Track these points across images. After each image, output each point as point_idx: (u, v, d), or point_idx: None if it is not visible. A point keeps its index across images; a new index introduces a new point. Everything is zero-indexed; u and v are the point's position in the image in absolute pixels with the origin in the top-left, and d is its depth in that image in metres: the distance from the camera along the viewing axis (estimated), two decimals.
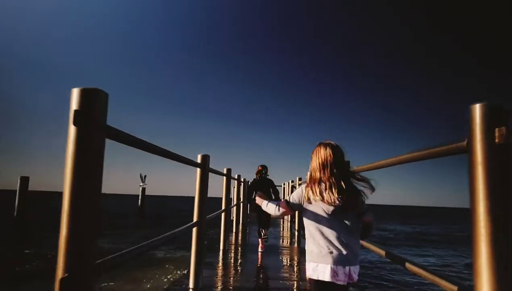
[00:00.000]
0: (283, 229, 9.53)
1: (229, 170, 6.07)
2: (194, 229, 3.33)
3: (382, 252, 2.23)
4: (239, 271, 4.35)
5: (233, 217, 8.90)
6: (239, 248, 6.15)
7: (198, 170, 3.41)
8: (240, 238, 7.25)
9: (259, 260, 5.12)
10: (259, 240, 5.99)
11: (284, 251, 6.05)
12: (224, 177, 5.88)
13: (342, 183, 1.85)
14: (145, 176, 35.14)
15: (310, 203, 1.90)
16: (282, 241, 7.29)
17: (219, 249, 5.70)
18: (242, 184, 9.55)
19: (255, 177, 6.33)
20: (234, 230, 8.25)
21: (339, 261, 1.79)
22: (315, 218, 1.89)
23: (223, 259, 5.01)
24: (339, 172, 1.88)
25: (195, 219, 3.34)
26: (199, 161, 3.42)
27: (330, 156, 1.90)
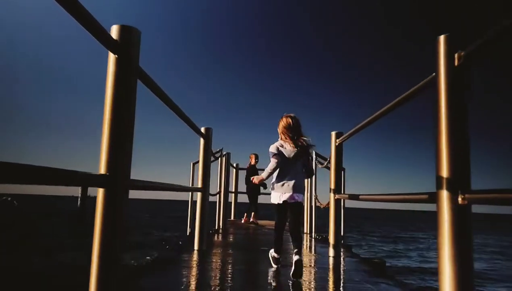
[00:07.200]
0: None
1: (228, 154, 6.36)
2: (199, 194, 3.58)
3: (345, 196, 2.85)
4: (236, 237, 4.61)
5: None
6: (236, 228, 6.42)
7: (202, 140, 3.66)
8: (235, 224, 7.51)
9: (250, 232, 5.83)
10: (249, 213, 7.27)
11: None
12: (223, 159, 6.15)
13: (296, 140, 2.75)
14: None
15: (280, 152, 2.78)
16: None
17: (220, 227, 5.97)
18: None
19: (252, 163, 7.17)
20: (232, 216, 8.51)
21: (286, 189, 2.74)
22: (281, 162, 2.77)
23: (222, 233, 5.26)
24: (294, 134, 2.77)
25: (199, 186, 3.60)
26: (203, 132, 3.67)
27: (289, 123, 2.80)
